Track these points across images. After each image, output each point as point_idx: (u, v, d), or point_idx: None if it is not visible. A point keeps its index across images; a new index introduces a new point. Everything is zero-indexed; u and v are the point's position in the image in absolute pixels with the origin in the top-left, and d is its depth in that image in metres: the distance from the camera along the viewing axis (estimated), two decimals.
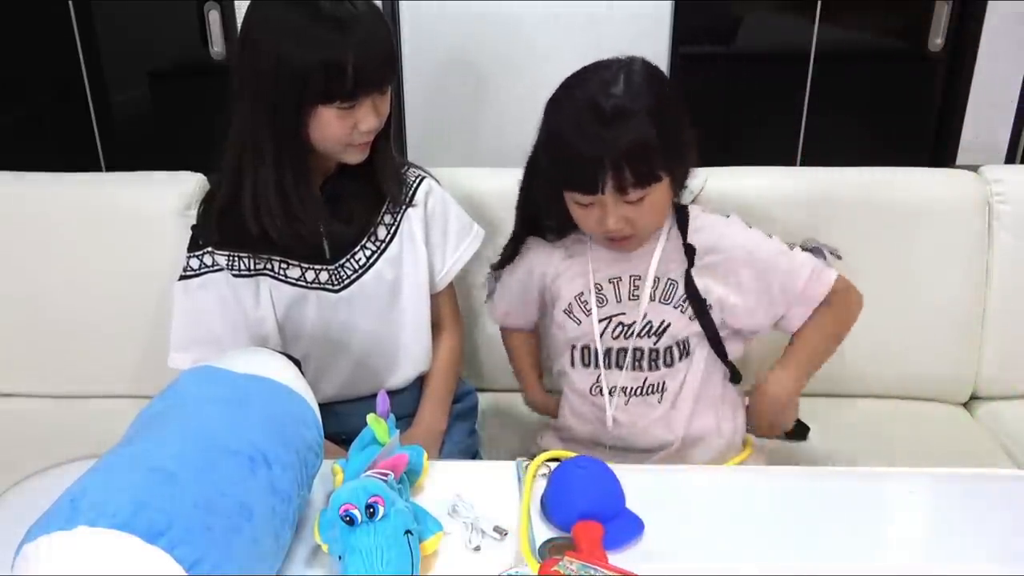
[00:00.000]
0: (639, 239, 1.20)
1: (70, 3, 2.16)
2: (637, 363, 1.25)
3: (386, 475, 0.89)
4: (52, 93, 2.30)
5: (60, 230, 1.62)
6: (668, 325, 1.23)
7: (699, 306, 1.22)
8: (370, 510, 0.84)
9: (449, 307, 1.45)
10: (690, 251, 1.23)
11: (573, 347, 1.28)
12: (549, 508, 0.97)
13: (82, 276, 1.62)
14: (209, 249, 1.27)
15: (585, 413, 1.30)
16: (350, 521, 0.84)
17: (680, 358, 1.25)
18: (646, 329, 1.23)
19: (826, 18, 2.14)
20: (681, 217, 1.25)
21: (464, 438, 1.46)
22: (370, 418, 1.03)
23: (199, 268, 1.28)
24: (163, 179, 1.65)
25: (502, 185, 1.61)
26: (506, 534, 0.94)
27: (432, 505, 0.96)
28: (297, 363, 1.07)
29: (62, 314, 1.64)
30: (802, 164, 2.21)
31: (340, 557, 0.85)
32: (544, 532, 0.94)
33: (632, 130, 1.09)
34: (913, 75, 2.23)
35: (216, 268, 1.28)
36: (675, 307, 1.23)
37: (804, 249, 1.28)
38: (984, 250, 1.61)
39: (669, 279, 1.23)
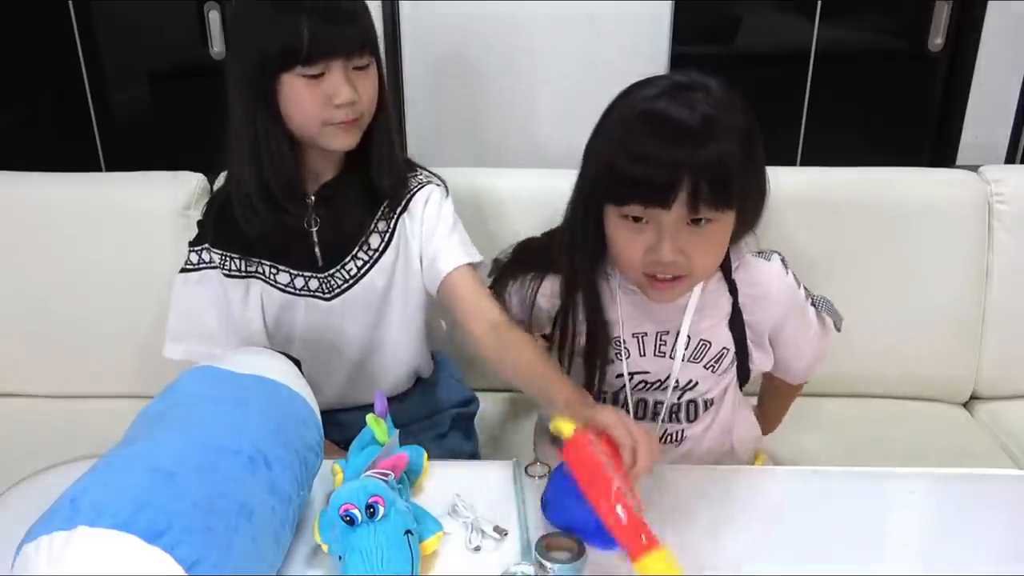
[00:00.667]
0: (688, 284, 1.04)
1: (70, 3, 2.16)
2: (655, 415, 1.17)
3: (386, 475, 0.89)
4: (52, 93, 2.30)
5: (60, 230, 1.62)
6: (695, 384, 1.15)
7: (739, 335, 1.14)
8: (370, 510, 0.84)
9: (472, 291, 1.26)
10: (733, 289, 1.12)
11: (588, 389, 1.14)
12: (549, 508, 0.97)
13: (82, 276, 1.62)
14: (206, 245, 1.28)
15: None
16: (350, 521, 0.84)
17: (704, 409, 1.19)
18: (672, 386, 1.14)
19: (826, 18, 2.13)
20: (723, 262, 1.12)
21: (462, 442, 1.45)
22: (369, 418, 1.03)
23: (197, 263, 1.28)
24: (163, 179, 1.65)
25: (503, 185, 1.62)
26: (506, 534, 0.94)
27: (432, 505, 0.96)
28: (298, 363, 1.07)
29: (62, 314, 1.64)
30: (802, 164, 2.21)
31: (340, 557, 0.85)
32: (543, 532, 0.94)
33: (724, 138, 0.95)
34: (913, 75, 2.23)
35: (212, 265, 1.28)
36: (706, 367, 1.13)
37: (814, 305, 1.20)
38: (984, 250, 1.61)
39: (701, 339, 1.12)
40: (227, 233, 1.25)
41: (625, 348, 1.12)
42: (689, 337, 1.11)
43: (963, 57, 2.13)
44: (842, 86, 2.22)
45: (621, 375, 1.14)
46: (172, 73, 2.30)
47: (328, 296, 1.28)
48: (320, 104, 1.16)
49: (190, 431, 0.86)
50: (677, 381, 1.13)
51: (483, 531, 0.94)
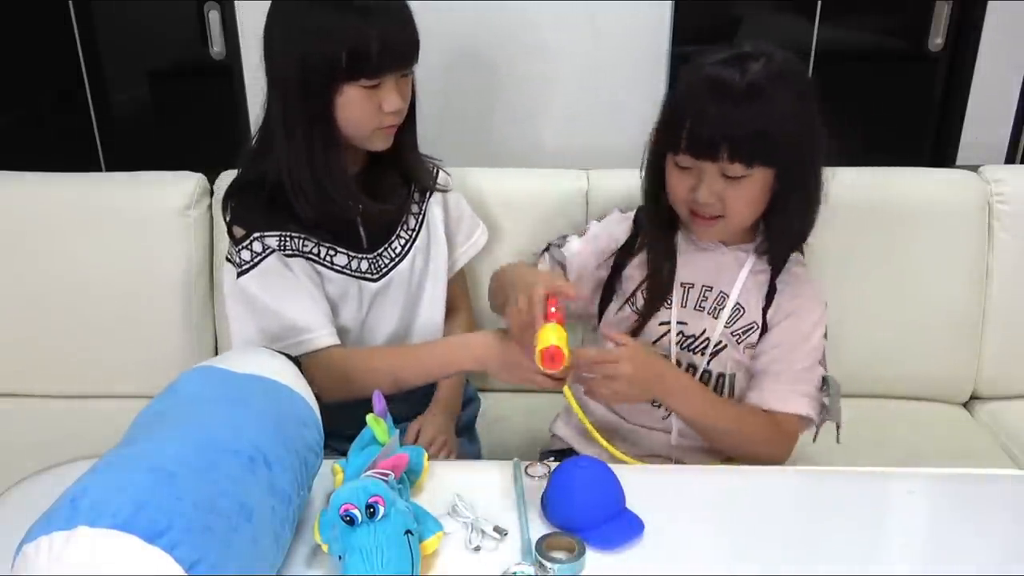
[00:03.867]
0: (723, 226, 1.16)
1: (70, 3, 2.16)
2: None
3: (386, 475, 0.89)
4: (52, 93, 2.30)
5: (60, 230, 1.62)
6: (724, 347, 1.22)
7: (765, 327, 1.21)
8: (370, 510, 0.84)
9: (462, 293, 1.50)
10: (772, 291, 1.21)
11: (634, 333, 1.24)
12: (549, 508, 0.97)
13: (81, 276, 1.62)
14: (256, 234, 1.24)
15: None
16: (350, 521, 0.84)
17: (729, 394, 1.24)
18: (703, 345, 1.22)
19: (826, 18, 2.13)
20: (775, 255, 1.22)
21: (467, 444, 1.46)
22: (369, 418, 1.03)
23: (252, 259, 1.23)
24: (163, 179, 1.65)
25: (502, 185, 1.62)
26: (506, 534, 0.94)
27: (432, 505, 0.96)
28: (297, 363, 1.07)
29: (61, 314, 1.64)
30: None
31: (340, 557, 0.85)
32: (543, 532, 0.94)
33: (764, 103, 1.07)
34: (913, 75, 2.23)
35: (268, 252, 1.23)
36: (733, 334, 1.22)
37: (824, 379, 1.25)
38: (984, 250, 1.61)
39: (738, 302, 1.21)
40: (282, 217, 1.24)
41: (670, 296, 1.22)
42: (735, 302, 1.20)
43: (963, 57, 2.13)
44: (842, 86, 2.21)
45: (665, 323, 1.23)
46: (172, 73, 2.30)
47: (375, 277, 1.31)
48: (372, 111, 1.20)
49: (190, 431, 0.86)
50: (708, 340, 1.21)
51: (483, 531, 0.94)
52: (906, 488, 1.07)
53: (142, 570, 0.71)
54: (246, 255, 1.23)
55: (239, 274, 1.24)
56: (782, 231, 1.19)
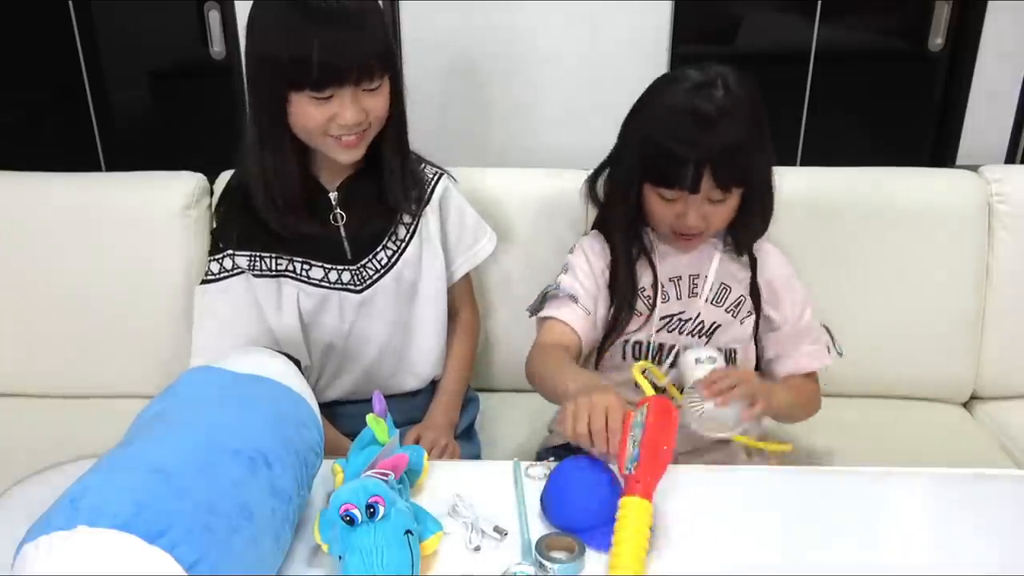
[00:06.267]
0: (705, 237, 1.27)
1: (70, 3, 2.16)
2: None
3: (386, 475, 0.89)
4: (52, 93, 2.30)
5: (60, 230, 1.62)
6: (718, 327, 1.28)
7: (757, 302, 1.31)
8: (370, 510, 0.84)
9: (465, 299, 1.47)
10: (752, 261, 1.31)
11: (626, 341, 1.29)
12: (549, 508, 0.97)
13: (81, 276, 1.62)
14: (229, 251, 1.26)
15: None
16: (350, 521, 0.84)
17: (733, 365, 1.29)
18: (698, 328, 1.28)
19: (826, 18, 2.13)
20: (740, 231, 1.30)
21: (466, 445, 1.45)
22: (369, 418, 1.03)
23: (219, 272, 1.27)
24: (163, 179, 1.65)
25: (503, 185, 1.62)
26: (506, 534, 0.94)
27: (432, 505, 0.96)
28: (297, 363, 1.07)
29: (61, 314, 1.64)
30: (802, 164, 2.21)
31: (340, 557, 0.85)
32: (543, 532, 0.94)
33: (734, 131, 1.14)
34: (913, 75, 2.23)
35: (236, 271, 1.26)
36: (727, 311, 1.29)
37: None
38: (984, 250, 1.61)
39: (722, 283, 1.29)
40: (254, 232, 1.25)
41: (663, 292, 1.28)
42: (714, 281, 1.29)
43: (963, 57, 2.13)
44: (842, 86, 2.22)
45: (665, 317, 1.28)
46: (172, 73, 2.30)
47: (359, 288, 1.30)
48: (324, 121, 1.17)
49: (190, 431, 0.86)
50: (703, 322, 1.28)
51: (483, 531, 0.94)
52: (906, 488, 1.07)
53: (142, 570, 0.71)
54: (215, 267, 1.27)
55: (202, 280, 1.29)
56: (749, 229, 1.29)
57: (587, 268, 1.30)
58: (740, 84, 1.17)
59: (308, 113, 1.16)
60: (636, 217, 1.27)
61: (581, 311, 1.27)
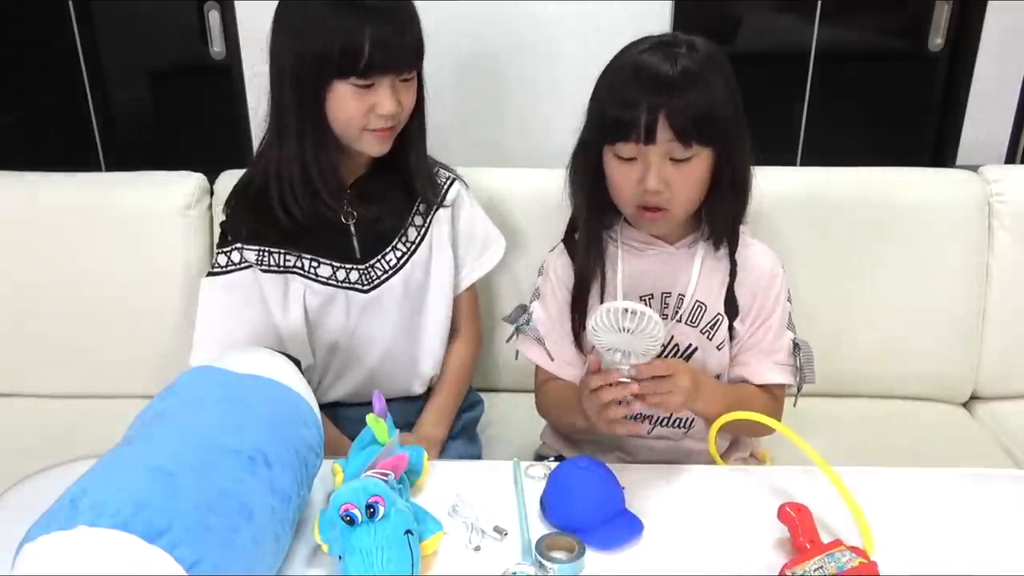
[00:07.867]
0: (671, 217, 1.15)
1: (70, 3, 2.16)
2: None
3: (386, 475, 0.89)
4: (52, 93, 2.30)
5: (60, 230, 1.62)
6: (694, 349, 1.21)
7: (732, 311, 1.21)
8: (370, 510, 0.84)
9: (468, 312, 1.45)
10: (734, 266, 1.21)
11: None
12: (549, 508, 0.97)
13: (81, 276, 1.62)
14: (238, 245, 1.27)
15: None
16: (350, 521, 0.84)
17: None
18: (673, 351, 1.21)
19: (826, 18, 2.13)
20: (722, 235, 1.21)
21: (467, 445, 1.46)
22: (369, 418, 1.03)
23: (227, 265, 1.27)
24: (163, 179, 1.65)
25: (505, 185, 1.62)
26: (506, 534, 0.94)
27: (432, 505, 0.96)
28: (297, 363, 1.07)
29: (60, 314, 1.64)
30: (802, 164, 2.21)
31: (340, 557, 0.86)
32: (543, 532, 0.94)
33: (692, 79, 1.08)
34: (913, 75, 2.23)
35: (244, 265, 1.27)
36: (702, 332, 1.21)
37: (795, 344, 1.23)
38: (984, 250, 1.61)
39: (697, 300, 1.20)
40: (264, 227, 1.25)
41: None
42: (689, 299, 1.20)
43: (963, 57, 2.13)
44: (842, 86, 2.22)
45: None
46: (172, 73, 2.30)
47: (366, 288, 1.30)
48: (363, 112, 1.19)
49: (190, 431, 0.86)
50: (677, 345, 1.20)
51: (483, 531, 0.94)
52: (906, 488, 1.07)
53: (142, 570, 0.71)
54: (223, 260, 1.28)
55: (209, 272, 1.29)
56: (721, 213, 1.18)
57: (556, 293, 1.25)
58: (706, 47, 1.12)
59: (348, 104, 1.19)
60: (600, 207, 1.18)
61: (546, 358, 1.25)
